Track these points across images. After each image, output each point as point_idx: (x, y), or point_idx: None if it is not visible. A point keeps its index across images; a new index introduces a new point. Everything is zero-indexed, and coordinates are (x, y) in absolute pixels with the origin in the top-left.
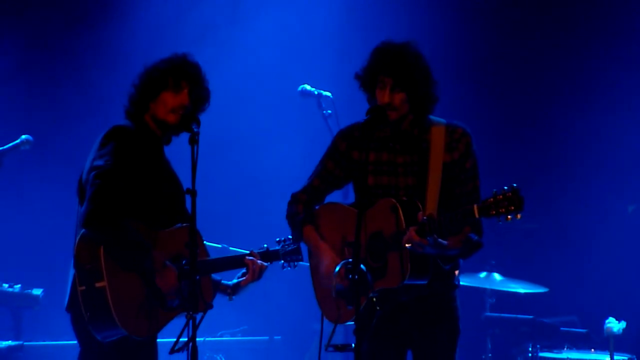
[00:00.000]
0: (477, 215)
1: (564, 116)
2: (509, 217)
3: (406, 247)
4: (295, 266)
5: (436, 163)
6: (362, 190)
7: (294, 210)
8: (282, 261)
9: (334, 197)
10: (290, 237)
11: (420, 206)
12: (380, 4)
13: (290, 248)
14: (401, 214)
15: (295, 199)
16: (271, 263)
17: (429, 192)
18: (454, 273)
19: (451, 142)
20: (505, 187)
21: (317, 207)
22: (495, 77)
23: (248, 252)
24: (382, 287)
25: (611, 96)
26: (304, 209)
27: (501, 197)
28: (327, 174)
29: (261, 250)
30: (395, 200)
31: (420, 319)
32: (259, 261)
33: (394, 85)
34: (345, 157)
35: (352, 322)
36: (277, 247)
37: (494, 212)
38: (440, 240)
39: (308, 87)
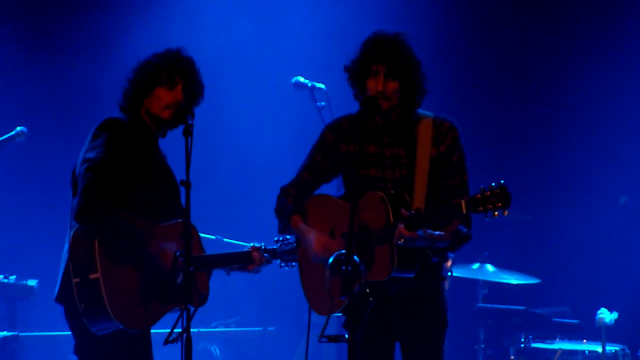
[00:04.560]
0: (464, 211)
1: (556, 109)
2: (496, 213)
3: (396, 241)
4: (292, 266)
5: (423, 156)
6: (353, 182)
7: (283, 204)
8: (279, 260)
9: (330, 190)
10: (288, 237)
11: (408, 199)
12: None
13: (288, 247)
14: (389, 208)
15: (284, 193)
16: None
17: (416, 185)
18: (442, 265)
19: (438, 136)
20: (493, 184)
21: (306, 200)
22: (487, 69)
23: (243, 243)
24: (369, 280)
25: (603, 88)
26: (293, 201)
27: (489, 193)
28: (315, 167)
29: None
30: (383, 193)
31: (408, 311)
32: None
33: (388, 72)
34: (333, 149)
35: (342, 315)
36: (275, 246)
37: (481, 208)
38: (430, 231)
39: (302, 79)
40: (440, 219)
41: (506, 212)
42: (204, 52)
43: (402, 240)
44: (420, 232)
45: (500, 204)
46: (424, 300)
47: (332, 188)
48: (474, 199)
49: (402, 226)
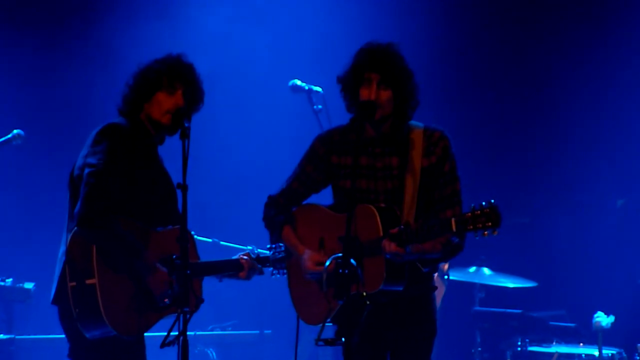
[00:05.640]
0: (454, 230)
1: (553, 112)
2: (485, 232)
3: (384, 255)
4: (284, 274)
5: (414, 167)
6: (343, 193)
7: (272, 213)
8: (272, 268)
9: (325, 199)
10: (281, 244)
11: (398, 213)
12: (371, 1)
13: (280, 256)
14: (379, 221)
15: (273, 202)
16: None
17: (407, 197)
18: (432, 276)
19: (429, 146)
20: (484, 203)
21: (295, 208)
22: (485, 73)
23: (240, 246)
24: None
25: (599, 94)
26: (282, 211)
27: (479, 212)
28: (305, 178)
29: (252, 256)
30: (373, 208)
31: (397, 320)
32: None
33: (381, 81)
34: (323, 161)
35: (334, 322)
36: (268, 254)
37: (471, 227)
38: (419, 245)
39: (299, 82)
40: (430, 234)
41: (496, 232)
42: (201, 56)
43: (389, 255)
44: (408, 249)
45: (490, 224)
46: (414, 309)
47: (325, 197)
48: (464, 218)
49: (390, 242)
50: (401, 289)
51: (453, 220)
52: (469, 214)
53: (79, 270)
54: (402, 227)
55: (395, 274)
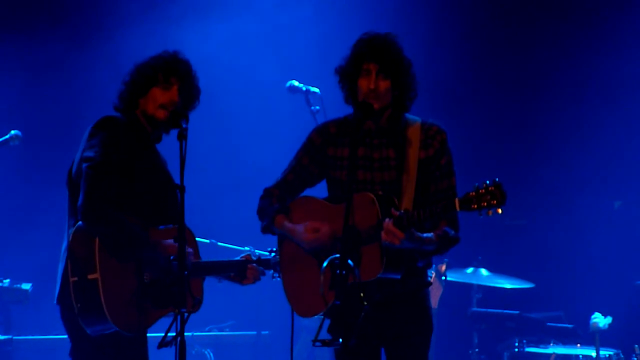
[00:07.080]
0: (458, 208)
1: (550, 113)
2: (490, 211)
3: (383, 240)
4: None
5: (412, 159)
6: (340, 185)
7: (267, 203)
8: (272, 271)
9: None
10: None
11: (396, 201)
12: (369, 1)
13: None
14: (378, 208)
15: (267, 194)
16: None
17: (404, 188)
18: (426, 271)
19: (426, 139)
20: (488, 181)
21: (290, 201)
22: (484, 74)
23: (238, 247)
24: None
25: (597, 93)
26: (277, 201)
27: (483, 190)
28: (301, 169)
29: (253, 258)
30: (372, 195)
31: (393, 317)
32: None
33: (380, 70)
34: (320, 152)
35: (326, 318)
36: (269, 256)
37: (475, 206)
38: (418, 233)
39: (296, 83)
40: (432, 218)
41: (500, 210)
42: (199, 56)
43: (387, 237)
44: (406, 234)
45: (495, 202)
46: (409, 306)
47: (321, 192)
48: (467, 197)
49: (390, 223)
50: (399, 277)
51: (457, 199)
52: (473, 192)
53: (80, 266)
54: (402, 212)
55: (394, 261)
